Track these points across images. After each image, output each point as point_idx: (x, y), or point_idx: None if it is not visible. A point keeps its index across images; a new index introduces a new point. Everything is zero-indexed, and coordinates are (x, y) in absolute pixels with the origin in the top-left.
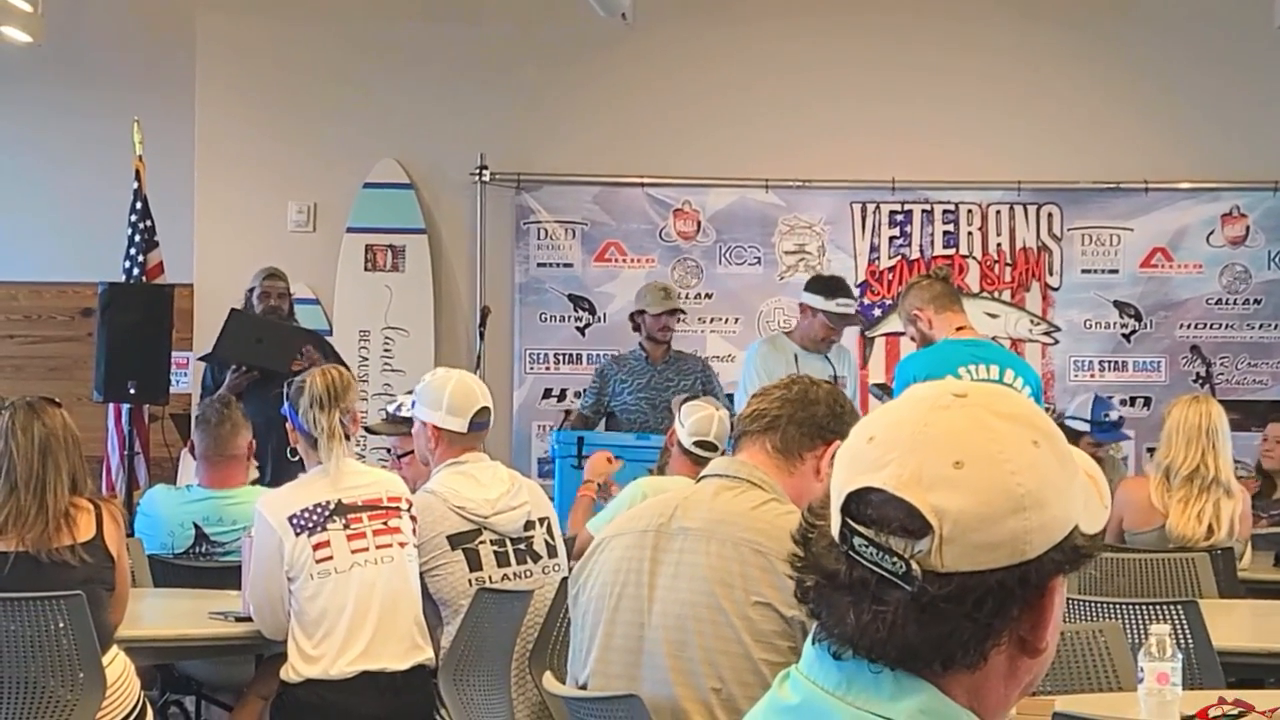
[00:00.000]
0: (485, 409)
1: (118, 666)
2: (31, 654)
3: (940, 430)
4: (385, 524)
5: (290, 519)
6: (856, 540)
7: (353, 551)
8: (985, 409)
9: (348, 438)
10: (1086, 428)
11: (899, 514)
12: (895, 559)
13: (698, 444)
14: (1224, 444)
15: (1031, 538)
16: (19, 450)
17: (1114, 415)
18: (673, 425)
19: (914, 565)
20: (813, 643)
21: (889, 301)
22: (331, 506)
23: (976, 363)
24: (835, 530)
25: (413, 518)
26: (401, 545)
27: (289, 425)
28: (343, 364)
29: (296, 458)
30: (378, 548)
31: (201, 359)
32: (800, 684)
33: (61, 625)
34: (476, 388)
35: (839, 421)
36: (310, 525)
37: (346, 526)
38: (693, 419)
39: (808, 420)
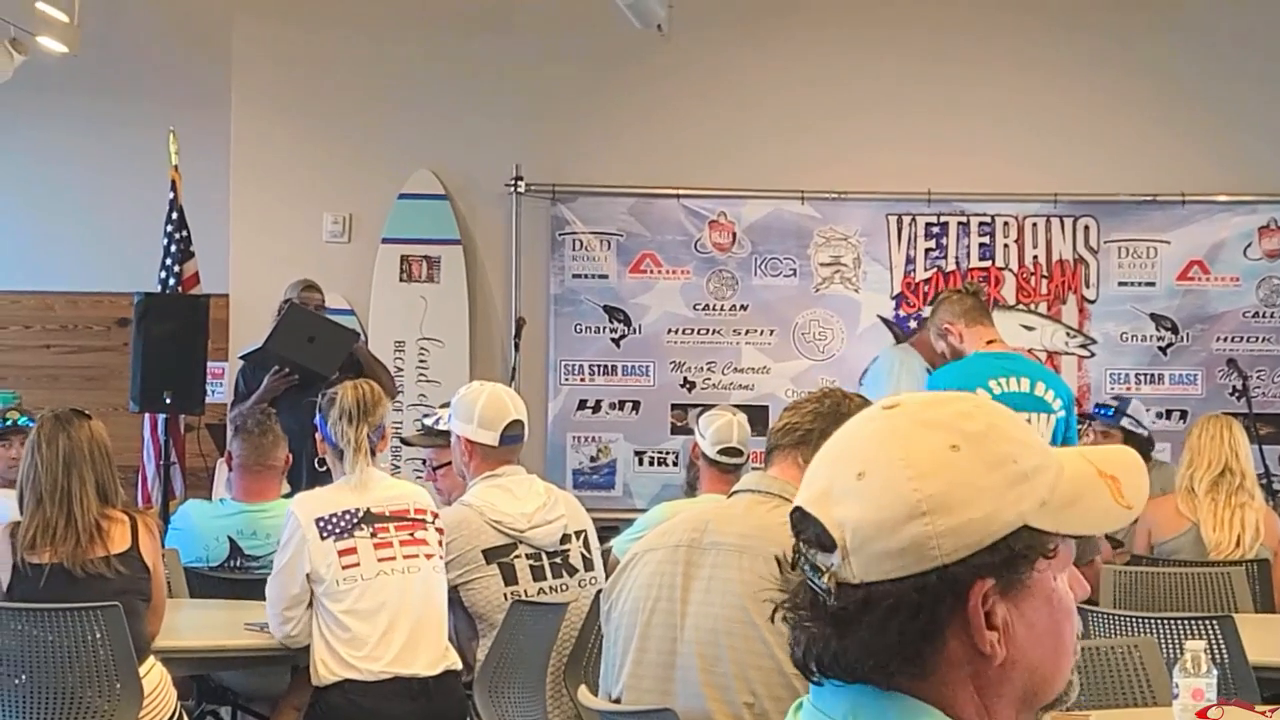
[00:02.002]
0: (517, 422)
1: (154, 677)
2: (69, 664)
3: (856, 443)
4: (412, 535)
5: (318, 521)
6: (800, 559)
7: (379, 560)
8: (909, 417)
9: (373, 453)
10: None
11: (815, 530)
12: (821, 574)
13: (722, 451)
14: (1245, 454)
15: (939, 542)
16: (43, 463)
17: (1113, 404)
18: (693, 440)
19: (829, 579)
20: None
21: (925, 314)
22: (360, 515)
23: (1007, 375)
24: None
25: (439, 530)
26: (428, 557)
27: (318, 436)
28: (387, 372)
29: (324, 468)
30: (405, 558)
31: (246, 355)
32: (811, 714)
33: (98, 636)
34: (509, 401)
35: None
36: (337, 531)
37: (373, 535)
38: (713, 428)
39: None
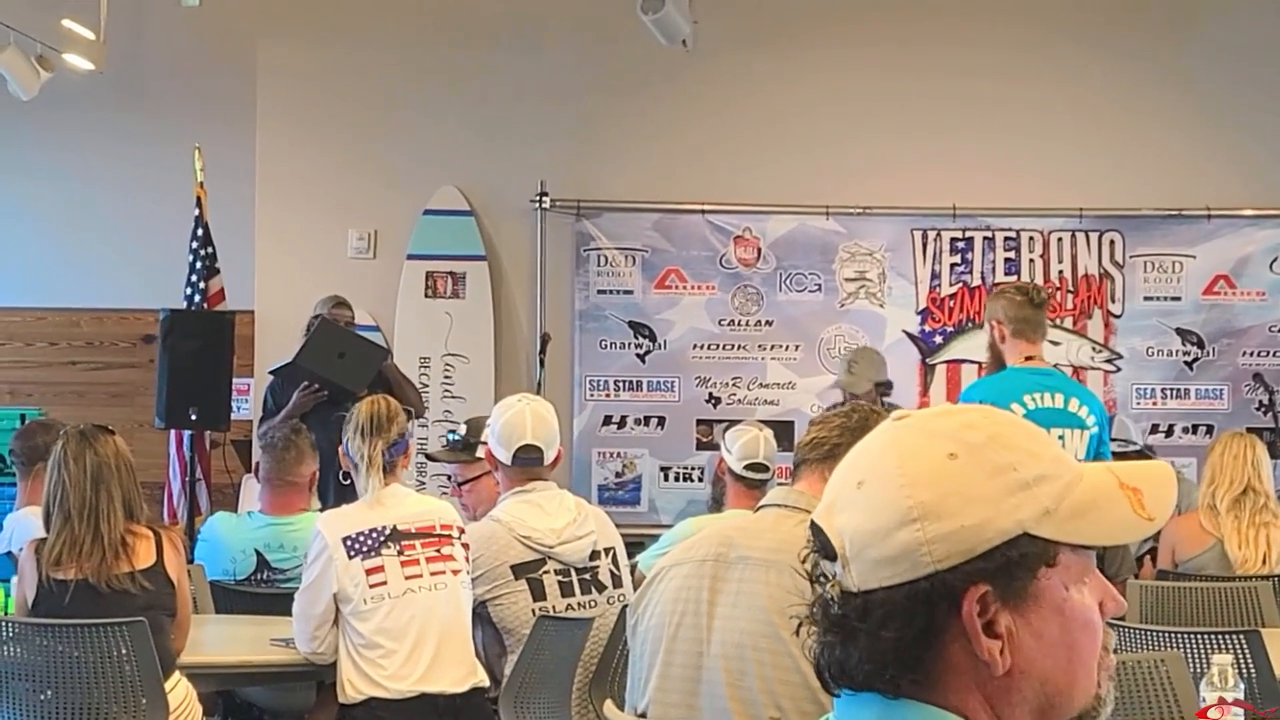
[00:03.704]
0: (530, 446)
1: (180, 692)
2: (94, 680)
3: (860, 454)
4: (438, 551)
5: (345, 540)
6: (814, 570)
7: (407, 578)
8: (913, 428)
9: (389, 470)
10: None
11: (822, 540)
12: (827, 583)
13: (748, 467)
14: (1267, 474)
15: (930, 549)
16: (71, 480)
17: None
18: (719, 455)
19: (834, 588)
20: None
21: (950, 329)
22: (387, 532)
23: (1041, 390)
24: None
25: (465, 545)
26: (455, 573)
27: (341, 451)
28: (416, 391)
29: (349, 481)
30: (432, 574)
31: (276, 370)
32: None
33: (124, 652)
34: (529, 423)
35: None
36: (365, 549)
37: (400, 553)
38: (739, 443)
39: None
